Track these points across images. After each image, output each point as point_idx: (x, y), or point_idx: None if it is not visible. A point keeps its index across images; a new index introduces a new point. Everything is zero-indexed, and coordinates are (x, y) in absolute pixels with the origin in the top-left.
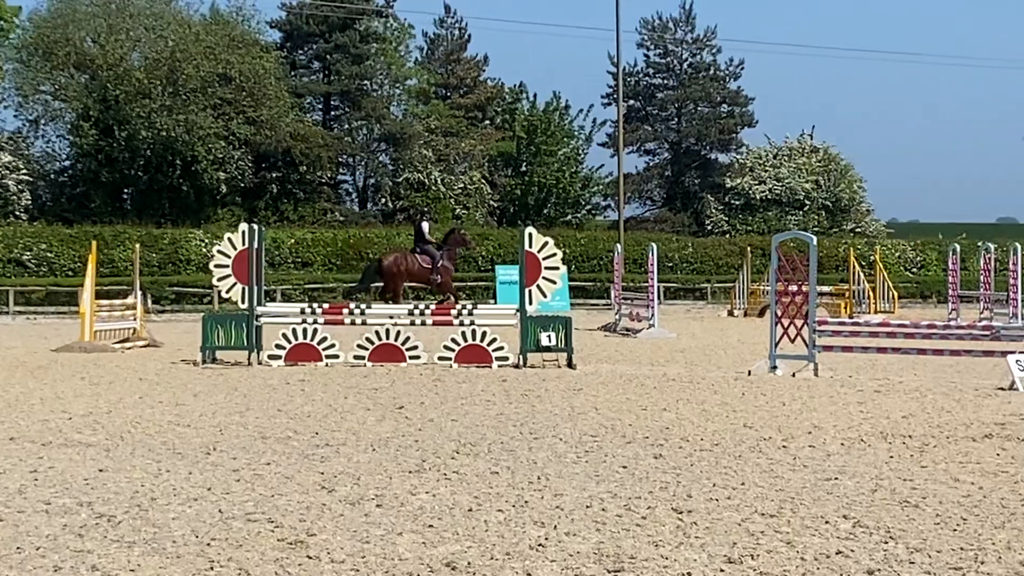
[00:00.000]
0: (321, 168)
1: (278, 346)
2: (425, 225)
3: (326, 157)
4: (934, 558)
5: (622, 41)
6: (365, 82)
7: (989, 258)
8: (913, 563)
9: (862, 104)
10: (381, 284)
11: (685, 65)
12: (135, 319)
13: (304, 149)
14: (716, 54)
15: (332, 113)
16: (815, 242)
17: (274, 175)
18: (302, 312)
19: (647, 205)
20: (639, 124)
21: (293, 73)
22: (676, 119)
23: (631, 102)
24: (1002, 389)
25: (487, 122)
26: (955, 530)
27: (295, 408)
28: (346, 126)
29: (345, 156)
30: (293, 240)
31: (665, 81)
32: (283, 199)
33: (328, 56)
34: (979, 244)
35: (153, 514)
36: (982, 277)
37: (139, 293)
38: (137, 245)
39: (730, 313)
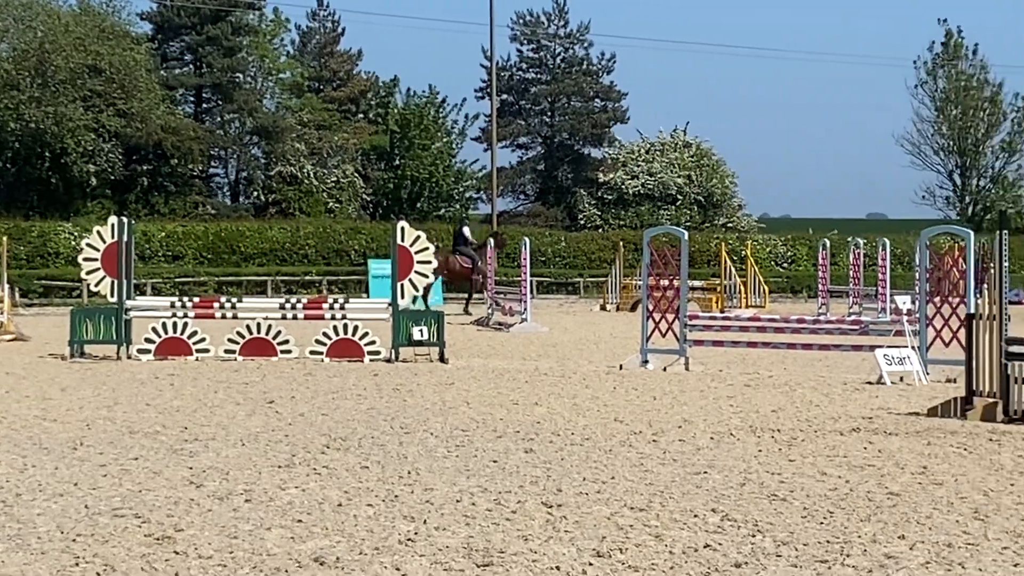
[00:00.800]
0: (192, 161)
1: (148, 340)
2: (466, 229)
3: (197, 150)
4: (801, 551)
5: (495, 35)
6: (237, 75)
7: (858, 253)
8: (780, 556)
9: (735, 100)
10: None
11: (558, 60)
12: (2, 313)
13: (175, 142)
14: (589, 49)
15: (204, 106)
16: (686, 237)
17: (145, 168)
18: (172, 306)
19: (520, 199)
20: (512, 118)
21: (164, 65)
22: (549, 113)
23: (504, 96)
24: (870, 383)
25: (360, 116)
26: (822, 523)
27: (164, 403)
28: (218, 119)
29: (217, 149)
30: (164, 233)
31: (538, 76)
32: (154, 192)
33: (200, 48)
34: (849, 239)
35: (17, 510)
36: (851, 272)
37: (6, 287)
38: (4, 238)
39: (602, 307)
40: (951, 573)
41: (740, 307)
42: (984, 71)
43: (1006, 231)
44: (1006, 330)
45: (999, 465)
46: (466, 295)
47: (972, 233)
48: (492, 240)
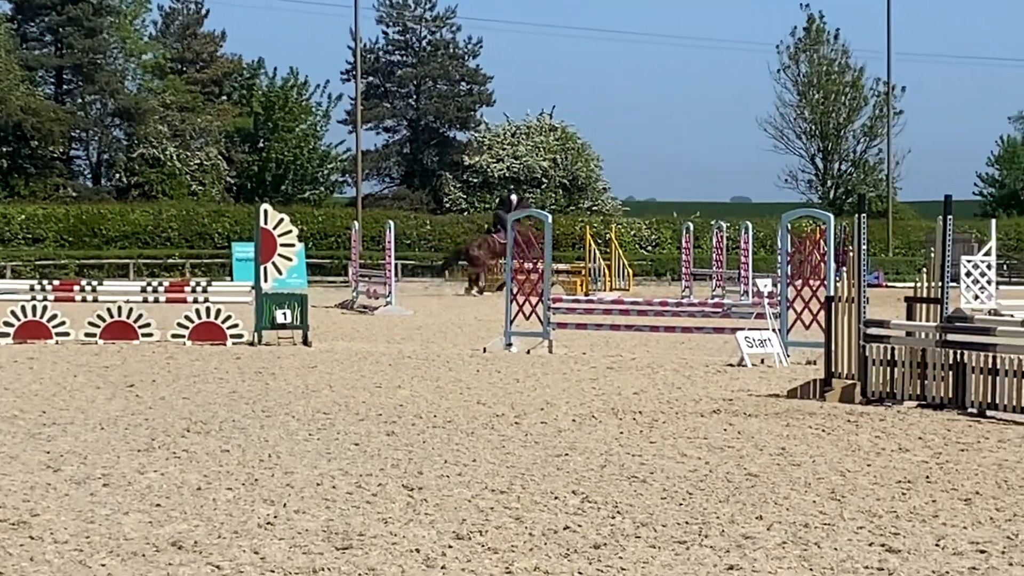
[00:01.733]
0: (53, 143)
1: (6, 324)
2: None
3: (58, 132)
4: (659, 532)
5: (361, 17)
6: (99, 56)
7: (721, 236)
8: (639, 537)
9: (602, 83)
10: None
11: (424, 43)
12: None
13: (35, 123)
14: (455, 32)
15: (65, 87)
16: (550, 220)
17: (4, 150)
18: (31, 289)
19: (385, 182)
20: (378, 101)
21: (24, 46)
22: (415, 96)
23: (370, 79)
24: (731, 365)
25: (224, 98)
26: (681, 504)
27: (23, 386)
28: (79, 100)
29: (78, 131)
30: (24, 216)
31: (404, 58)
32: (13, 174)
33: (60, 29)
34: (712, 223)
35: None
36: (714, 255)
37: None
38: None
39: (467, 290)
40: (807, 552)
41: (605, 290)
42: (846, 56)
43: (864, 214)
44: (864, 312)
45: (856, 446)
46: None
47: (832, 216)
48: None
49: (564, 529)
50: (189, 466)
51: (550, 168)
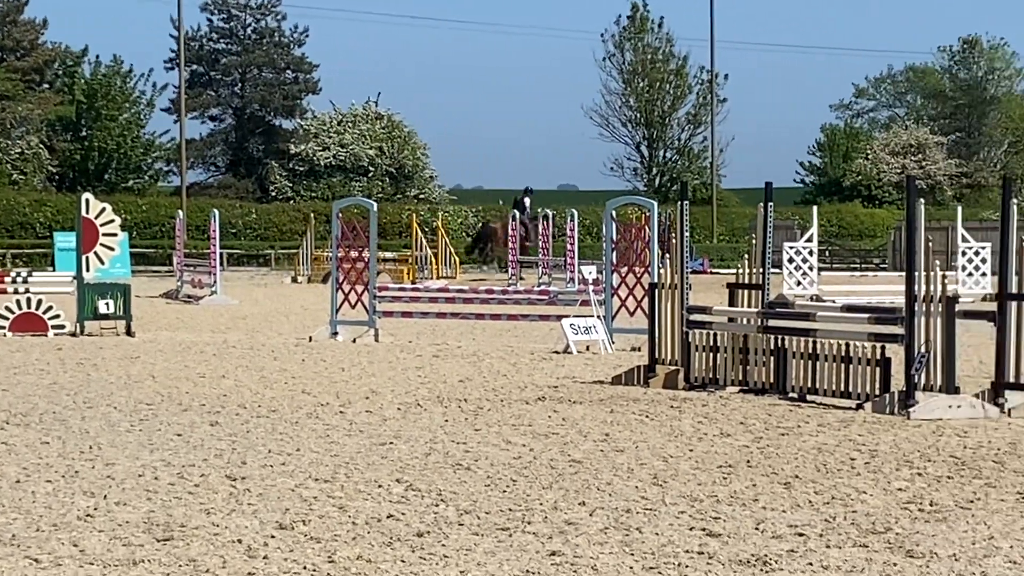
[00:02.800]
0: None
1: None
2: (527, 200)
3: None
4: (483, 519)
5: (185, 5)
6: None
7: (548, 224)
8: (462, 525)
9: (428, 71)
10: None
11: (249, 30)
12: None
13: None
14: (281, 20)
15: None
16: (375, 208)
17: None
18: None
19: (211, 171)
20: (203, 89)
21: None
22: (240, 85)
23: (194, 67)
24: (557, 353)
25: (46, 86)
26: (504, 491)
27: None
28: None
29: None
30: None
31: (229, 46)
32: None
33: None
34: (539, 210)
35: None
36: (541, 243)
37: None
38: None
39: (294, 280)
40: (628, 537)
41: (431, 278)
42: (670, 44)
43: (687, 201)
44: (687, 299)
45: (679, 431)
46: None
47: (656, 204)
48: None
49: (387, 517)
50: (8, 459)
51: (376, 156)
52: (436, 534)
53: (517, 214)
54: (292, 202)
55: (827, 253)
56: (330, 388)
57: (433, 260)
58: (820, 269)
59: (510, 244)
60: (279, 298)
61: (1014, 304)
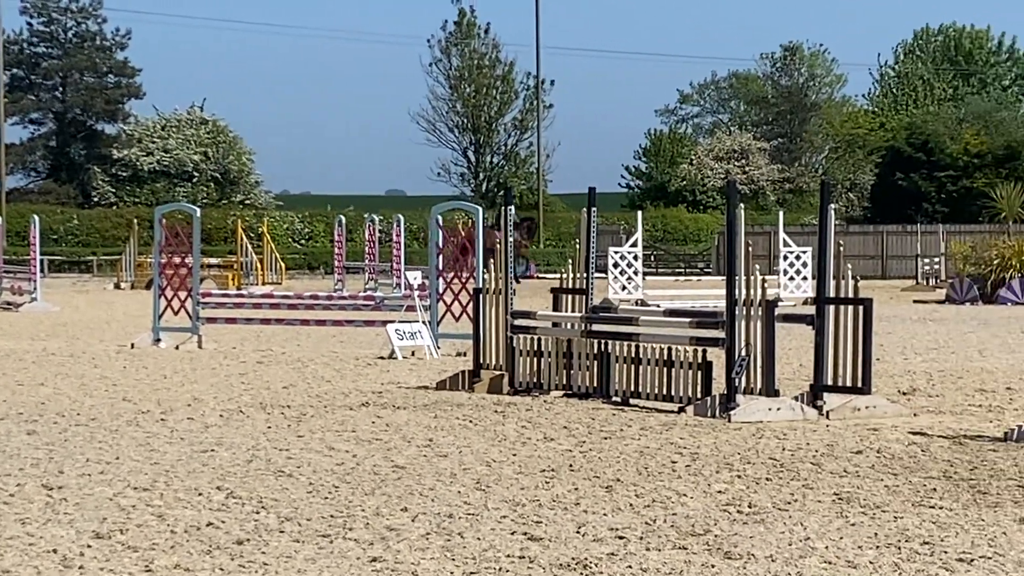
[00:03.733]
0: None
1: None
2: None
3: None
4: (304, 526)
5: (4, 8)
6: None
7: (374, 229)
8: (283, 532)
9: (254, 77)
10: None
11: (70, 34)
12: None
13: None
14: (102, 24)
15: None
16: (199, 214)
17: None
18: None
19: (31, 176)
20: (23, 94)
21: None
22: (61, 89)
23: (14, 71)
24: (382, 358)
25: None
26: (327, 498)
27: None
28: None
29: None
30: None
31: (49, 50)
32: None
33: None
34: (365, 216)
35: None
36: (367, 248)
37: None
38: None
39: (117, 286)
40: (450, 543)
41: (257, 284)
42: (496, 50)
43: (512, 207)
44: (512, 304)
45: (503, 436)
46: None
47: (481, 209)
48: (522, 223)
49: (207, 525)
50: None
51: (201, 162)
52: (256, 541)
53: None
54: (115, 208)
55: (652, 258)
56: (151, 395)
57: (259, 266)
58: (645, 273)
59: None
60: (101, 305)
61: (832, 308)
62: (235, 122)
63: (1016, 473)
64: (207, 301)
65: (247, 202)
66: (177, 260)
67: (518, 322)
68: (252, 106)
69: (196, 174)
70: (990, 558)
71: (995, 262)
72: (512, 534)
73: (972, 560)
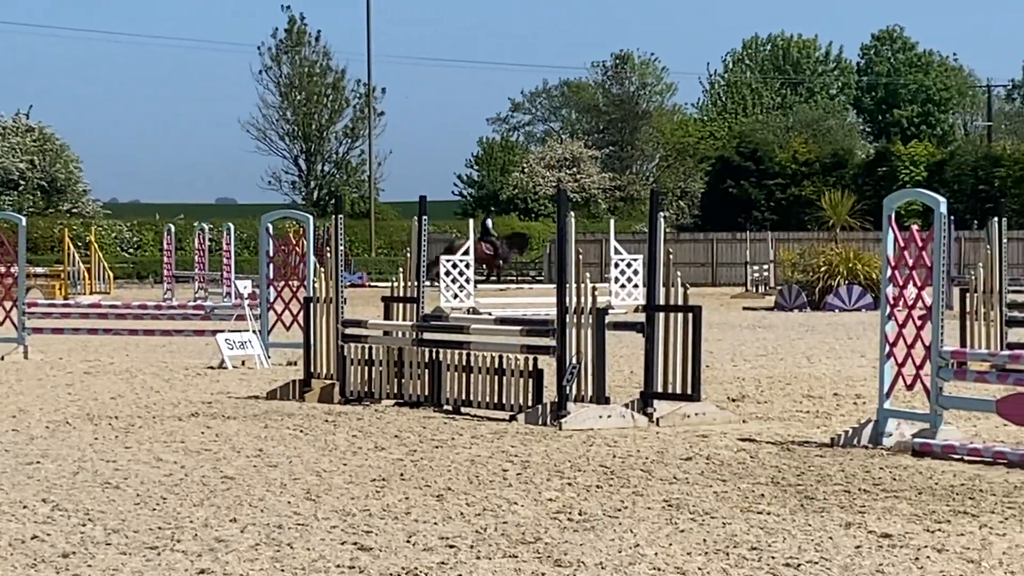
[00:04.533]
0: None
1: None
2: (489, 221)
3: None
4: (131, 538)
5: None
6: None
7: (204, 238)
8: (110, 544)
9: (81, 84)
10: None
11: None
12: None
13: None
14: None
15: None
16: (24, 223)
17: None
18: None
19: None
20: None
21: None
22: None
23: None
24: (212, 368)
25: None
26: (154, 509)
27: None
28: None
29: None
30: None
31: None
32: None
33: None
34: (195, 224)
35: None
36: (197, 257)
37: None
38: None
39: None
40: (280, 553)
41: (84, 293)
42: (327, 58)
43: (342, 215)
44: (343, 312)
45: (333, 445)
46: (491, 275)
47: (312, 217)
48: (512, 238)
49: (32, 539)
50: None
51: (27, 170)
52: (82, 554)
53: (485, 230)
54: None
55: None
56: None
57: (87, 275)
58: (477, 282)
59: (497, 261)
60: None
61: (661, 315)
62: (62, 130)
63: (843, 478)
64: (33, 311)
65: (75, 211)
66: (2, 269)
67: (349, 331)
68: (80, 113)
69: (22, 182)
70: (817, 563)
71: (823, 269)
72: (342, 544)
73: (799, 565)
